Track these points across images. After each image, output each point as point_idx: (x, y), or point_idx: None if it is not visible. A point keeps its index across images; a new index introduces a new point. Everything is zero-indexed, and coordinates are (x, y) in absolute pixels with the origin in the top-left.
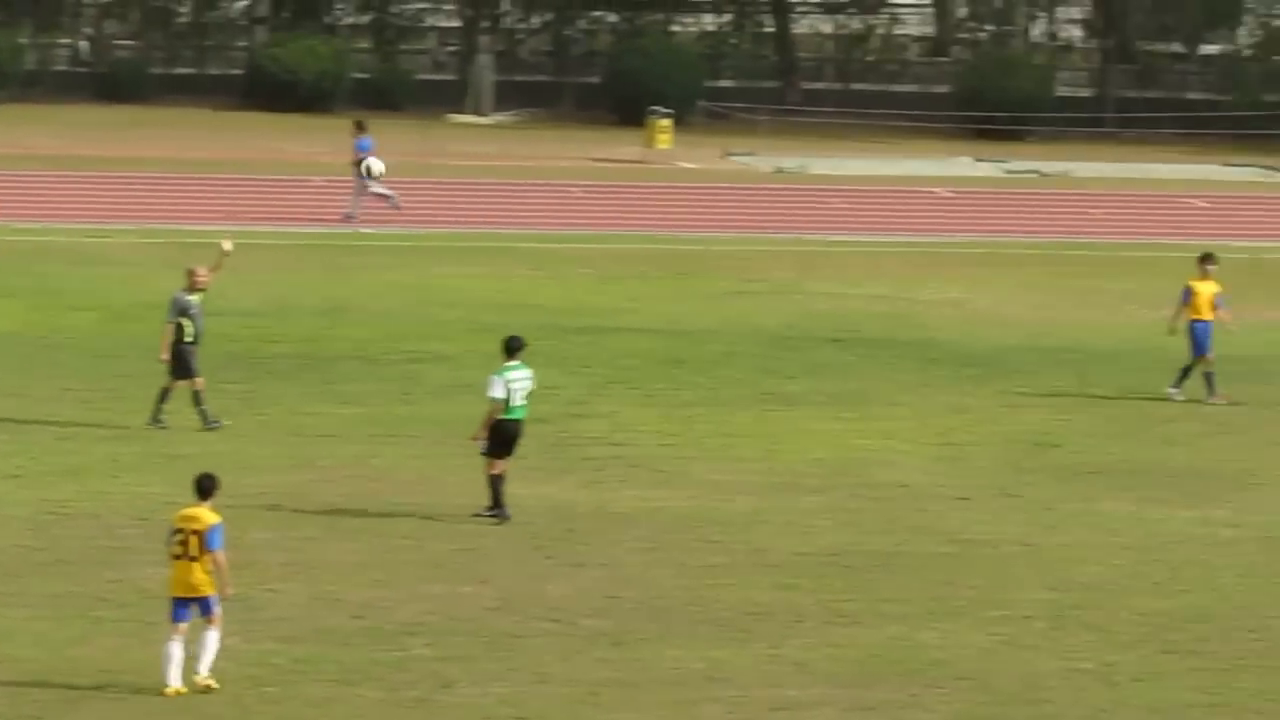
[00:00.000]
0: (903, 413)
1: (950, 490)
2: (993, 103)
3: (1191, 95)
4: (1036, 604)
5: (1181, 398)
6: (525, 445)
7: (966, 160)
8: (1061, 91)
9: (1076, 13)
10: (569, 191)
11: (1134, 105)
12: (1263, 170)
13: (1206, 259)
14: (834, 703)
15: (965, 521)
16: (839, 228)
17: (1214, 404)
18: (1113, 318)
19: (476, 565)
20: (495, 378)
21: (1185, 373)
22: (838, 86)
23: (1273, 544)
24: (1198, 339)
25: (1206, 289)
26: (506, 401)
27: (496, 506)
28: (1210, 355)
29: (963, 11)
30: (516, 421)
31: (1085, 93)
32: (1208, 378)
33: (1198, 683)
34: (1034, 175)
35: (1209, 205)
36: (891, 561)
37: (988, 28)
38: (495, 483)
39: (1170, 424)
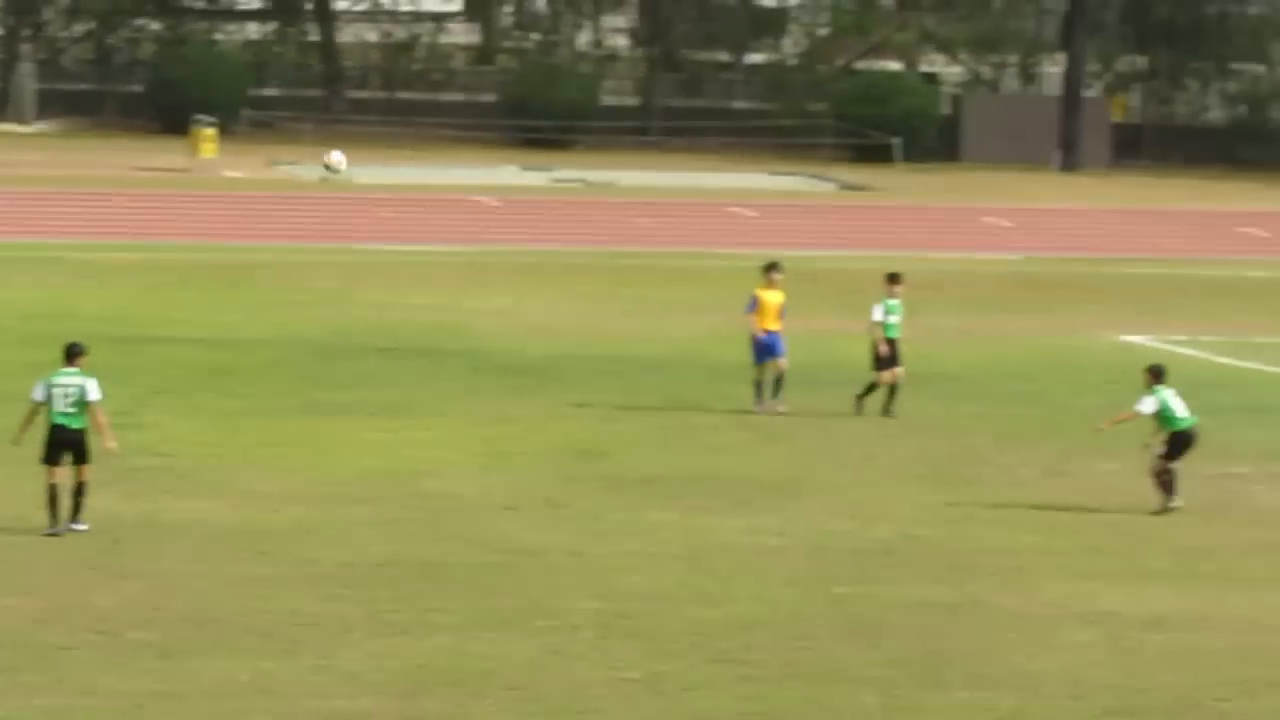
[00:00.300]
0: (450, 422)
1: (498, 500)
2: (539, 111)
3: (737, 104)
4: (584, 613)
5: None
6: (68, 455)
7: (513, 169)
8: (608, 100)
9: (622, 22)
10: (112, 201)
11: (680, 114)
12: (808, 179)
13: (772, 268)
14: (383, 713)
15: (513, 531)
16: (386, 237)
17: (760, 413)
18: (660, 327)
19: (20, 577)
20: (39, 382)
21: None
22: (383, 95)
23: (819, 552)
24: (762, 348)
25: (773, 298)
26: (49, 406)
27: (51, 517)
28: (767, 364)
29: (508, 20)
30: (62, 428)
31: (631, 102)
32: (758, 387)
33: (746, 691)
34: (580, 184)
35: (756, 214)
36: (439, 571)
37: (534, 36)
38: (51, 491)
39: (717, 433)
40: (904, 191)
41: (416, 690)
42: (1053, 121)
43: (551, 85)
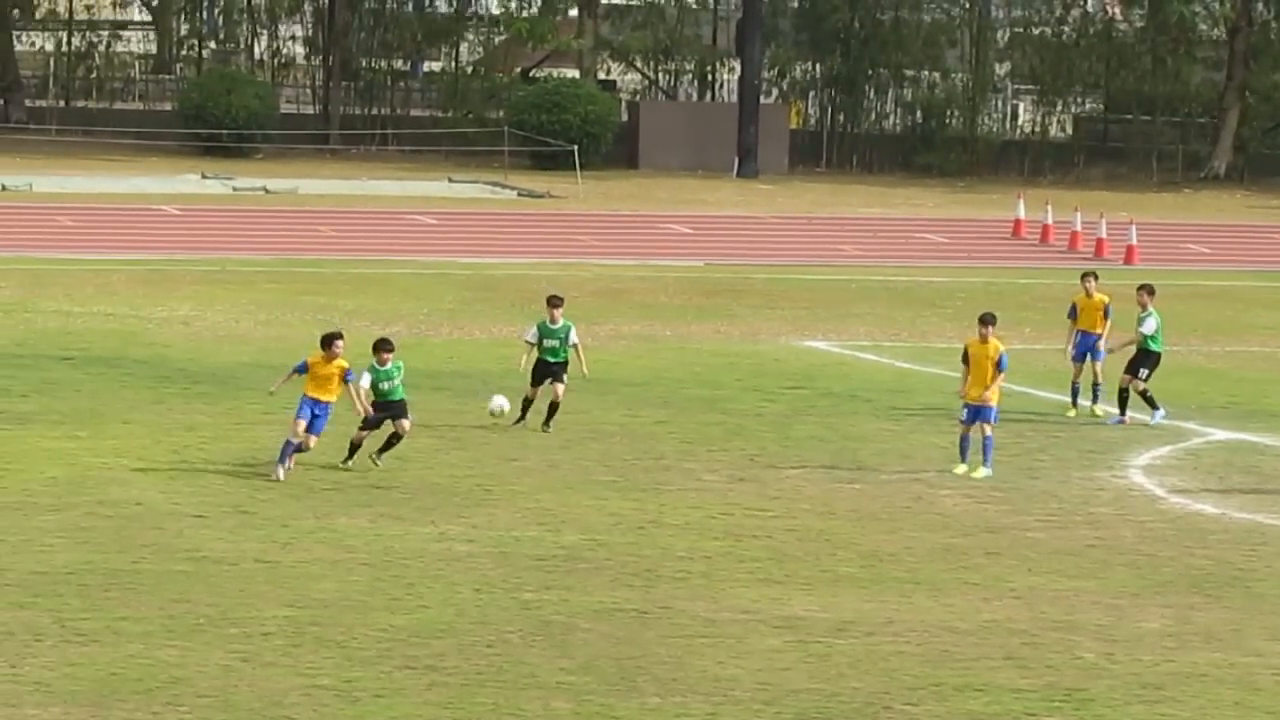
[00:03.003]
0: (136, 430)
1: (186, 508)
2: (218, 120)
3: (415, 112)
4: (275, 621)
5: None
6: None
7: (194, 178)
8: (286, 109)
9: (298, 30)
10: None
11: (358, 122)
12: (487, 186)
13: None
14: None
15: (202, 539)
16: (66, 246)
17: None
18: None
19: None
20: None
21: None
22: (61, 104)
23: (507, 558)
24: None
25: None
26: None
27: None
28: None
29: (185, 29)
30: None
31: (310, 110)
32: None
33: (437, 698)
34: (261, 192)
35: (437, 221)
36: (129, 579)
37: (211, 45)
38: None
39: (404, 440)
40: (584, 198)
41: (108, 699)
42: (730, 128)
43: (229, 93)
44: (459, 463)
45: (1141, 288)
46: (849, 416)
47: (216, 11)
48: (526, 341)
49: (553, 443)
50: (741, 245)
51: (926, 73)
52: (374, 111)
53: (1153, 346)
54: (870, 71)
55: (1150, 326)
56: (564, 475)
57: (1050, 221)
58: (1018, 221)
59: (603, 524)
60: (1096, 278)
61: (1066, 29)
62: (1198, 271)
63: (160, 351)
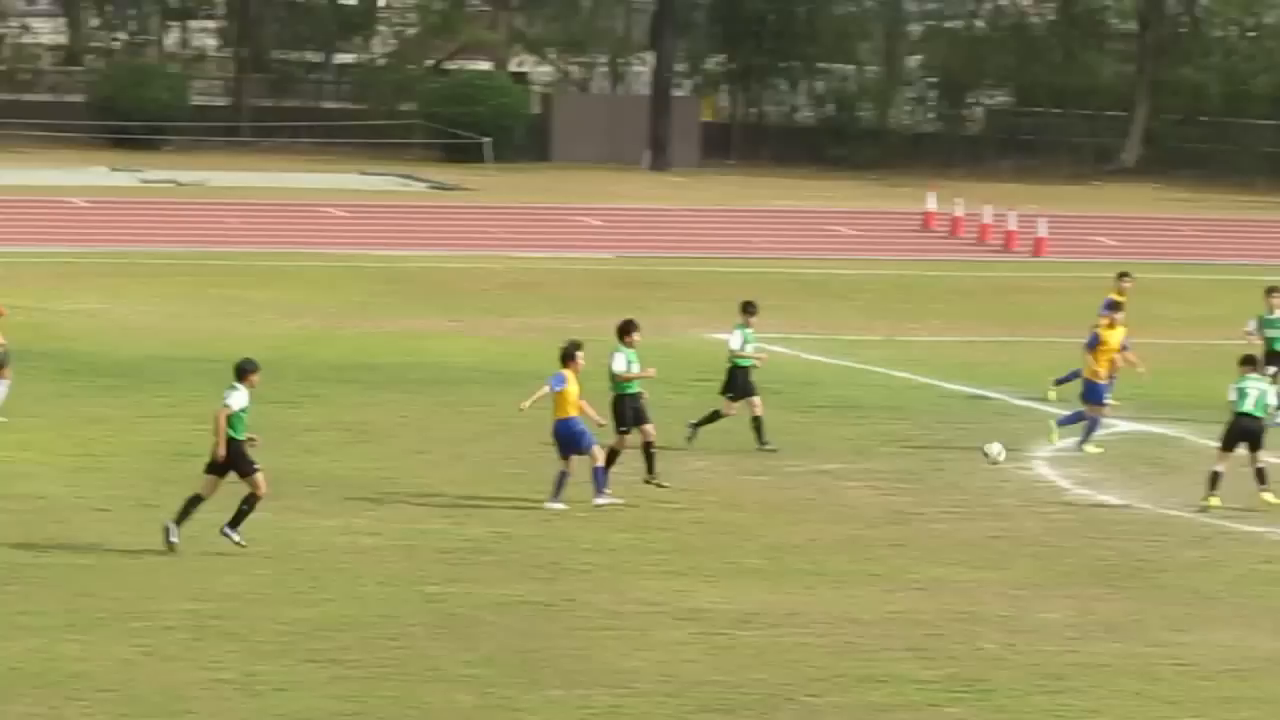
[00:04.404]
0: (40, 424)
1: (90, 502)
2: (128, 112)
3: (328, 104)
4: (178, 615)
5: None
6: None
7: (103, 170)
8: (198, 101)
9: (211, 23)
10: None
11: (270, 114)
12: (399, 179)
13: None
14: None
15: (105, 533)
16: None
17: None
18: (251, 327)
19: None
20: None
21: None
22: None
23: (412, 551)
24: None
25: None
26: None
27: None
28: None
29: (96, 21)
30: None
31: (221, 102)
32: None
33: (340, 691)
34: (171, 185)
35: (347, 214)
36: (31, 573)
37: (121, 37)
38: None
39: (310, 433)
40: (495, 191)
41: (7, 693)
42: (643, 121)
43: (140, 86)
44: (365, 455)
45: (1270, 290)
46: None
47: (127, 3)
48: (730, 350)
49: (460, 435)
50: (652, 238)
51: (839, 65)
52: (286, 104)
53: (1278, 346)
54: (783, 64)
55: None
56: (470, 468)
57: (961, 214)
58: (928, 214)
59: (508, 516)
60: (1131, 278)
61: (979, 22)
62: (1105, 263)
63: (67, 345)
